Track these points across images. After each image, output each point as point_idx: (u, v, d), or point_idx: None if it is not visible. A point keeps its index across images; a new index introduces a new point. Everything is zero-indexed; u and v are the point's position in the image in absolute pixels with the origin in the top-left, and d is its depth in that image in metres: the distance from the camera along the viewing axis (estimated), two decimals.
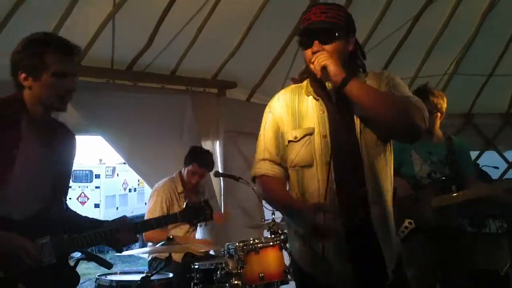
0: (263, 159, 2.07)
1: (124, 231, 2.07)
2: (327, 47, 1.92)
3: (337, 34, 1.94)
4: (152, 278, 3.02)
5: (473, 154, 5.75)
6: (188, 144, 4.28)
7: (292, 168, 2.02)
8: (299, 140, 1.98)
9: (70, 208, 2.20)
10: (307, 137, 1.97)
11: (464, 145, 3.32)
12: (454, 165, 3.18)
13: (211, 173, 4.32)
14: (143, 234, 3.83)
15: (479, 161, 5.69)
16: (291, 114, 2.02)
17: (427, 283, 3.12)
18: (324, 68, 1.89)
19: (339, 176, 1.93)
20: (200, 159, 3.96)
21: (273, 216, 3.73)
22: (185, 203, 2.27)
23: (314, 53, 1.92)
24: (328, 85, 1.88)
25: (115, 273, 3.30)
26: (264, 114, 2.12)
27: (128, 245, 2.16)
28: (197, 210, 2.26)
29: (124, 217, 2.13)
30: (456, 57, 5.31)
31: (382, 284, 1.97)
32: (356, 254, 1.93)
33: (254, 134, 5.45)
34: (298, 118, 2.01)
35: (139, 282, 2.94)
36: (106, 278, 3.17)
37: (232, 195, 4.81)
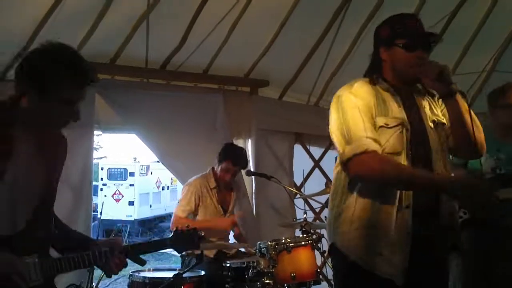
0: (368, 137, 2.00)
1: (115, 254, 1.94)
2: (426, 56, 2.10)
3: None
4: (184, 275, 3.05)
5: None
6: (220, 142, 4.29)
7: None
8: (391, 127, 2.05)
9: (60, 221, 2.07)
10: (399, 126, 2.05)
11: None
12: None
13: (243, 172, 4.33)
14: (172, 224, 3.88)
15: None
16: (377, 102, 2.08)
17: (476, 275, 3.07)
18: (441, 73, 2.01)
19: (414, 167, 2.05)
20: (234, 156, 3.96)
21: (305, 215, 3.71)
22: (173, 231, 2.16)
23: (419, 58, 2.06)
24: (455, 86, 2.05)
25: (148, 270, 3.34)
26: (346, 100, 2.09)
27: (118, 270, 1.98)
28: (186, 238, 2.14)
29: (115, 239, 2.05)
30: (494, 54, 5.14)
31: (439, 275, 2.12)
32: (417, 248, 2.03)
33: (286, 133, 5.50)
34: (383, 108, 2.08)
35: (171, 279, 2.96)
36: (139, 275, 3.22)
37: (264, 194, 4.80)
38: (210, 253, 3.71)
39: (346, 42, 4.83)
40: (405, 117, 2.09)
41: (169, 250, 6.34)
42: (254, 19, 4.38)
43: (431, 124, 2.14)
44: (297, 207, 4.46)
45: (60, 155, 1.97)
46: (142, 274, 3.25)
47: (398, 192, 2.03)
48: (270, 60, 4.76)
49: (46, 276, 1.81)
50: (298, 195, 4.58)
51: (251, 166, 4.80)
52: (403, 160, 2.05)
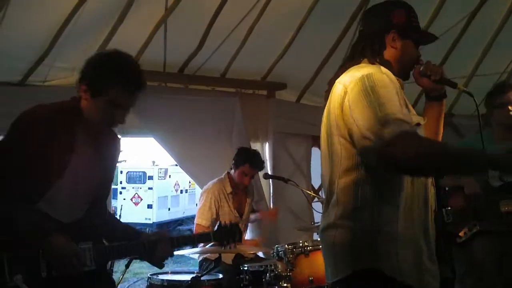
0: (405, 121, 1.65)
1: (162, 244, 2.09)
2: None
3: None
4: (202, 278, 3.05)
5: None
6: (237, 146, 4.30)
7: None
8: (421, 125, 1.90)
9: (110, 213, 2.27)
10: (420, 126, 1.86)
11: None
12: None
13: (261, 175, 4.32)
14: (195, 231, 3.95)
15: None
16: (399, 93, 1.77)
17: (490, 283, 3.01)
18: (443, 74, 1.95)
19: None
20: (251, 160, 3.98)
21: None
22: (217, 225, 2.32)
23: (418, 57, 1.97)
24: (461, 86, 1.97)
25: (166, 273, 3.36)
26: (375, 78, 1.72)
27: (165, 258, 2.15)
28: (229, 232, 2.32)
29: (163, 231, 2.22)
30: None
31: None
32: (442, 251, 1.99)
33: (303, 136, 5.48)
34: (405, 101, 1.81)
35: (189, 282, 2.97)
36: (157, 278, 3.23)
37: (281, 197, 4.79)
38: (228, 259, 3.70)
39: None
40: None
41: (187, 253, 6.35)
42: (271, 22, 4.39)
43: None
44: (315, 210, 4.43)
45: (114, 153, 2.17)
46: (161, 276, 3.26)
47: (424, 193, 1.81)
48: (287, 63, 4.76)
49: (99, 262, 1.97)
50: (316, 199, 4.55)
51: (269, 169, 4.79)
52: None
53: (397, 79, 1.85)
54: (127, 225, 2.27)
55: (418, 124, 1.82)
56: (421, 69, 1.95)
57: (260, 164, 4.05)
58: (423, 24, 4.56)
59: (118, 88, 1.94)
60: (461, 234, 3.00)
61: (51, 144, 1.92)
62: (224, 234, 2.32)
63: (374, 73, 1.75)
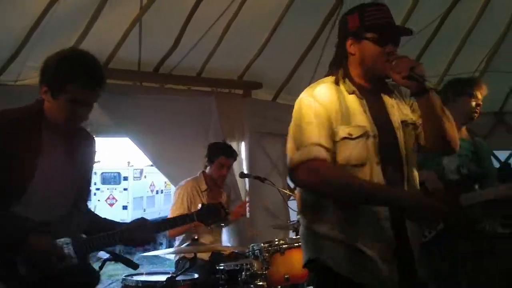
0: (320, 145, 1.86)
1: (140, 230, 2.09)
2: (395, 49, 1.97)
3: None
4: (177, 278, 3.03)
5: (505, 153, 5.61)
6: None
7: (343, 166, 1.91)
8: (355, 138, 1.91)
9: (91, 210, 2.25)
10: (363, 137, 1.91)
11: (485, 146, 3.29)
12: (479, 163, 3.12)
13: (237, 174, 4.33)
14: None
15: (511, 161, 5.54)
16: (339, 109, 1.92)
17: (453, 283, 3.06)
18: (412, 69, 1.87)
19: (386, 177, 1.93)
20: (225, 150, 4.00)
21: (298, 217, 3.71)
22: (200, 204, 2.30)
23: (388, 53, 1.93)
24: (429, 84, 1.89)
25: (141, 274, 3.33)
26: (304, 103, 1.93)
27: (144, 244, 2.19)
28: (213, 211, 2.29)
29: (141, 218, 2.16)
30: (487, 53, 5.17)
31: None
32: (398, 255, 1.95)
33: (280, 135, 5.48)
34: (347, 114, 1.93)
35: (165, 282, 2.95)
36: (132, 279, 3.20)
37: (258, 196, 4.79)
38: (205, 256, 3.70)
39: None
40: (371, 124, 1.95)
41: (162, 254, 6.30)
42: (247, 21, 4.39)
43: (400, 125, 2.01)
44: (291, 209, 4.45)
45: (88, 152, 2.16)
46: (135, 278, 3.23)
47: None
48: (263, 62, 4.77)
49: (80, 255, 1.97)
50: (292, 197, 4.57)
51: (245, 168, 4.80)
52: (369, 170, 1.91)
53: (351, 90, 1.96)
54: (109, 220, 2.26)
55: (350, 135, 1.90)
56: (393, 63, 1.91)
57: (234, 153, 4.07)
58: (396, 23, 4.64)
59: (78, 85, 1.92)
60: (426, 233, 3.01)
61: (16, 149, 1.91)
62: (208, 213, 2.29)
63: (304, 98, 1.95)
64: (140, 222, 2.12)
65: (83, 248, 1.99)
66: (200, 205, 2.26)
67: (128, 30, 4.05)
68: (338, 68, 2.01)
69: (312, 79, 5.00)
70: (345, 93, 1.97)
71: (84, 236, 2.07)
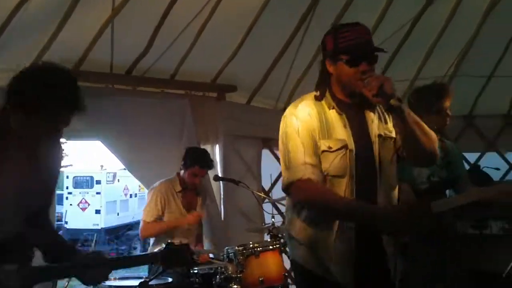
0: (305, 163, 2.04)
1: (97, 268, 1.96)
2: (371, 68, 2.06)
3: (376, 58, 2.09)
4: (150, 283, 2.99)
5: (474, 156, 5.74)
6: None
7: (324, 176, 2.07)
8: (334, 150, 2.06)
9: (53, 230, 2.13)
10: (342, 150, 2.06)
11: (456, 149, 3.35)
12: (449, 168, 3.17)
13: (211, 177, 4.31)
14: (140, 230, 3.93)
15: (480, 163, 5.66)
16: (319, 124, 2.08)
17: (430, 285, 3.11)
18: (381, 87, 1.96)
19: (358, 188, 2.07)
20: (200, 160, 3.96)
21: (273, 219, 3.72)
22: (164, 244, 2.10)
23: (363, 72, 2.03)
24: (394, 101, 1.96)
25: (114, 279, 3.28)
26: (287, 122, 2.12)
27: (98, 281, 2.04)
28: (178, 253, 2.07)
29: (99, 253, 2.05)
30: (456, 58, 5.29)
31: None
32: (362, 263, 2.08)
33: (253, 138, 5.50)
34: (327, 129, 2.08)
35: (137, 287, 2.90)
36: (104, 284, 3.14)
37: (232, 199, 4.78)
38: None
39: (312, 47, 4.86)
40: (350, 138, 2.09)
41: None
42: (221, 24, 4.38)
43: (377, 139, 2.12)
44: (266, 211, 4.46)
45: (56, 158, 2.02)
46: (108, 282, 3.18)
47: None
48: (237, 65, 4.77)
49: (25, 285, 1.82)
50: (266, 200, 4.58)
51: (219, 171, 4.78)
52: (346, 181, 2.06)
53: (331, 106, 2.11)
54: (65, 243, 2.14)
55: (329, 148, 2.06)
56: (365, 82, 2.02)
57: (210, 163, 4.04)
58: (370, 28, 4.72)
59: (54, 107, 1.79)
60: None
61: None
62: (172, 256, 2.07)
63: (288, 115, 2.13)
64: (97, 259, 1.98)
65: (29, 279, 1.84)
66: (165, 245, 2.08)
67: (100, 32, 3.98)
68: (322, 85, 2.16)
69: (286, 82, 5.08)
70: (326, 109, 2.12)
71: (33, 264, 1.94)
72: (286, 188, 2.10)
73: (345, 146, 2.06)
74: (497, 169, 4.63)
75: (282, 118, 2.16)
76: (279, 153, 2.17)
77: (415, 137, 2.06)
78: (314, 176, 2.03)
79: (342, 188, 2.06)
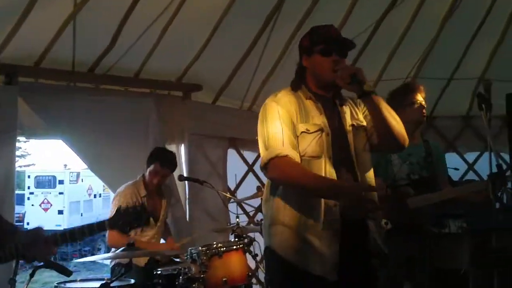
0: (283, 143, 2.17)
1: (39, 245, 1.91)
2: (342, 60, 2.25)
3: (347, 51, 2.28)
4: (112, 284, 2.95)
5: None
6: (152, 148, 4.20)
7: (301, 157, 2.19)
8: (311, 132, 2.20)
9: None
10: (318, 132, 2.20)
11: (440, 150, 3.49)
12: (430, 168, 3.27)
13: (175, 177, 4.27)
14: (108, 239, 3.80)
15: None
16: (298, 111, 2.23)
17: (399, 283, 3.19)
18: (354, 76, 2.15)
19: (338, 171, 2.20)
20: (161, 158, 3.90)
21: (238, 219, 3.72)
22: (116, 208, 2.03)
23: (334, 62, 2.21)
24: (368, 87, 2.19)
25: (75, 281, 3.22)
26: (269, 108, 2.25)
27: (43, 258, 2.01)
28: (129, 215, 2.01)
29: (38, 229, 1.98)
30: (417, 61, 5.41)
31: (367, 275, 2.23)
32: (347, 244, 2.16)
33: (219, 137, 5.49)
34: (305, 115, 2.23)
35: None
36: (65, 286, 3.09)
37: (198, 199, 4.76)
38: (141, 263, 3.61)
39: (278, 47, 4.90)
40: (326, 123, 2.24)
41: (100, 260, 6.12)
42: (186, 22, 4.34)
43: (350, 128, 2.29)
44: (231, 211, 4.46)
45: None
46: (68, 285, 3.13)
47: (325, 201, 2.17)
48: (203, 64, 4.74)
49: None
50: (232, 200, 4.58)
51: (185, 171, 4.75)
52: (323, 163, 2.19)
53: (308, 96, 2.27)
54: (6, 222, 2.09)
55: (307, 130, 2.19)
56: (338, 72, 2.19)
57: (171, 163, 3.97)
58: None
59: None
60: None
61: None
62: (125, 218, 2.00)
63: (268, 102, 2.28)
64: (38, 235, 1.92)
65: None
66: (116, 209, 2.00)
67: (62, 28, 3.89)
68: (298, 80, 2.33)
69: (252, 82, 5.08)
70: (303, 98, 2.28)
71: None
72: (264, 166, 2.18)
73: (321, 129, 2.21)
74: (456, 169, 4.73)
75: (262, 106, 2.29)
76: (258, 139, 2.27)
77: (387, 122, 2.23)
78: (293, 154, 2.14)
79: (321, 168, 2.18)
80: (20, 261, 2.03)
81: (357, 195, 2.14)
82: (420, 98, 3.29)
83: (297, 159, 2.16)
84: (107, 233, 3.84)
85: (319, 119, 2.24)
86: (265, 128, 2.22)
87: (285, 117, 2.20)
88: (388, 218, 3.17)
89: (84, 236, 2.00)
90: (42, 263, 2.34)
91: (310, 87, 2.31)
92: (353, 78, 2.15)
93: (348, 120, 2.30)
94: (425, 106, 3.32)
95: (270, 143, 2.18)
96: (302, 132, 2.20)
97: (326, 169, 2.18)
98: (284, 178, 2.18)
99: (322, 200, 2.16)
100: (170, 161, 3.95)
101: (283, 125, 2.19)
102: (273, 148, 2.16)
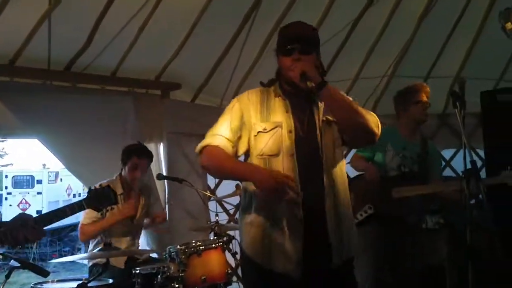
0: (219, 135, 2.23)
1: (28, 227, 1.97)
2: (305, 57, 2.21)
3: (313, 48, 2.26)
4: (89, 284, 2.93)
5: None
6: None
7: (259, 156, 2.23)
8: (268, 131, 2.22)
9: None
10: (276, 129, 2.22)
11: (437, 150, 3.66)
12: (423, 164, 3.36)
13: (154, 176, 4.24)
14: (80, 232, 3.81)
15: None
16: (260, 109, 2.27)
17: (380, 270, 3.25)
18: (303, 74, 2.16)
19: (300, 167, 2.19)
20: (135, 151, 3.87)
21: (217, 217, 3.71)
22: (87, 189, 2.25)
23: (294, 61, 2.20)
24: (310, 84, 2.17)
25: (52, 281, 3.18)
26: (231, 103, 2.33)
27: (31, 242, 2.09)
28: (102, 195, 2.26)
29: (22, 214, 2.06)
30: (394, 59, 5.47)
31: (328, 271, 2.20)
32: (308, 240, 2.17)
33: (199, 136, 5.43)
34: (266, 113, 2.26)
35: None
36: (42, 287, 3.05)
37: (177, 198, 4.73)
38: (120, 264, 3.58)
39: (257, 45, 4.90)
40: (290, 120, 2.24)
41: (80, 260, 6.06)
42: (164, 20, 4.31)
43: (321, 124, 2.26)
44: (211, 210, 4.45)
45: None
46: (45, 285, 3.09)
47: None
48: (182, 62, 4.72)
49: None
50: (212, 198, 4.57)
51: (164, 170, 4.72)
52: (282, 160, 2.20)
53: (277, 93, 2.30)
54: None
55: (264, 130, 2.22)
56: (294, 70, 2.21)
57: (147, 153, 3.93)
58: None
59: None
60: (357, 216, 3.25)
61: None
62: (98, 198, 2.25)
63: (232, 100, 2.36)
64: (20, 219, 2.00)
65: None
66: (88, 191, 2.24)
67: (37, 26, 3.83)
68: (275, 78, 2.36)
69: (231, 80, 5.08)
70: (272, 96, 2.30)
71: None
72: (198, 154, 2.28)
73: (279, 127, 2.22)
74: None
75: None
76: None
77: (347, 117, 2.21)
78: (223, 146, 2.21)
79: (279, 166, 2.19)
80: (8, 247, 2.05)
81: (274, 180, 2.07)
82: (424, 98, 3.42)
83: (229, 150, 2.22)
84: (79, 227, 3.82)
85: (281, 117, 2.24)
86: (221, 117, 2.31)
87: (236, 113, 2.26)
88: (372, 204, 3.28)
89: (66, 215, 2.15)
90: (19, 264, 2.33)
91: (282, 84, 2.33)
92: (302, 76, 2.16)
93: (321, 116, 2.28)
94: (429, 105, 3.47)
95: (212, 132, 2.27)
96: (259, 132, 2.23)
97: (285, 166, 2.18)
98: (209, 167, 2.26)
99: (285, 201, 2.13)
100: (145, 151, 3.93)
101: (230, 119, 2.26)
102: (209, 137, 2.25)
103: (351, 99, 2.30)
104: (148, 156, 3.95)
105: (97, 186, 2.36)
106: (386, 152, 3.41)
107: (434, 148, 3.62)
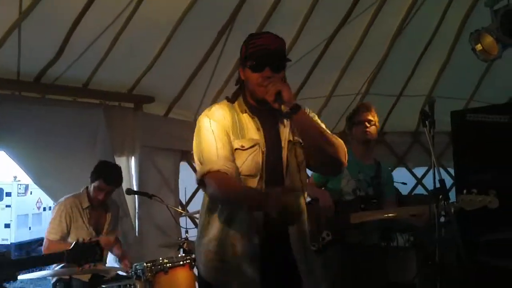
0: (218, 156, 2.08)
1: (7, 266, 1.94)
2: (277, 75, 2.11)
3: (284, 65, 2.15)
4: None
5: None
6: (99, 160, 4.08)
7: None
8: (246, 149, 2.11)
9: None
10: (255, 147, 2.11)
11: (389, 174, 3.62)
12: (377, 187, 3.35)
13: (124, 191, 4.16)
14: (45, 247, 3.66)
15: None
16: (233, 125, 2.14)
17: None
18: (278, 93, 2.04)
19: (266, 190, 2.09)
20: (106, 175, 3.77)
21: (187, 234, 3.65)
22: (74, 242, 2.16)
23: (265, 78, 2.09)
24: (284, 108, 2.05)
25: None
26: (202, 124, 2.16)
27: (5, 281, 2.00)
28: (86, 250, 2.18)
29: (4, 254, 2.02)
30: (368, 77, 5.53)
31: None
32: (269, 264, 2.10)
33: (171, 150, 5.39)
34: (240, 130, 2.14)
35: None
36: None
37: (148, 214, 4.65)
38: (84, 277, 3.48)
39: (232, 59, 4.89)
40: (262, 139, 2.14)
41: (37, 276, 5.89)
42: (138, 32, 4.27)
43: (287, 144, 2.17)
44: (181, 226, 4.37)
45: None
46: None
47: (247, 217, 2.10)
48: (155, 76, 4.67)
49: None
50: (183, 214, 4.50)
51: (135, 184, 4.64)
52: (258, 181, 2.10)
53: (243, 109, 2.18)
54: None
55: (242, 147, 2.12)
56: (266, 88, 2.10)
57: (116, 180, 3.85)
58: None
59: None
60: (314, 244, 3.19)
61: None
62: (81, 253, 2.18)
63: (201, 117, 2.19)
64: (2, 260, 1.96)
65: None
66: (73, 244, 2.14)
67: (6, 36, 3.74)
68: (237, 91, 2.24)
69: (205, 94, 5.05)
70: (239, 112, 2.18)
71: None
72: (199, 183, 2.12)
73: (257, 144, 2.12)
74: (404, 183, 4.86)
75: (197, 122, 2.20)
76: (194, 156, 2.18)
77: (316, 145, 2.12)
78: (226, 168, 2.05)
79: (257, 187, 2.09)
80: None
81: (281, 200, 1.98)
82: (367, 117, 3.39)
83: (232, 171, 2.06)
84: (44, 242, 3.71)
85: (256, 134, 2.14)
86: (199, 145, 2.13)
87: (219, 130, 2.11)
88: (330, 230, 3.25)
89: (45, 264, 2.22)
90: None
91: (247, 98, 2.21)
92: (277, 96, 2.05)
93: (286, 135, 2.18)
94: (374, 125, 3.41)
95: (204, 158, 2.10)
96: (236, 149, 2.11)
97: (259, 187, 2.10)
98: (215, 194, 2.11)
99: (244, 217, 2.10)
100: (114, 177, 3.82)
101: (217, 139, 2.10)
102: (207, 163, 2.08)
103: (323, 126, 2.21)
104: (116, 184, 3.87)
105: (83, 240, 2.24)
106: (342, 176, 3.36)
107: (387, 171, 3.61)
